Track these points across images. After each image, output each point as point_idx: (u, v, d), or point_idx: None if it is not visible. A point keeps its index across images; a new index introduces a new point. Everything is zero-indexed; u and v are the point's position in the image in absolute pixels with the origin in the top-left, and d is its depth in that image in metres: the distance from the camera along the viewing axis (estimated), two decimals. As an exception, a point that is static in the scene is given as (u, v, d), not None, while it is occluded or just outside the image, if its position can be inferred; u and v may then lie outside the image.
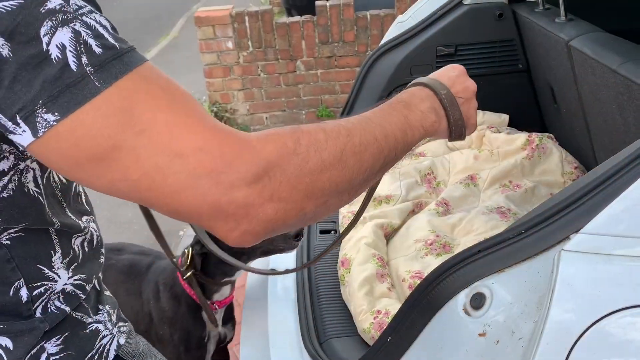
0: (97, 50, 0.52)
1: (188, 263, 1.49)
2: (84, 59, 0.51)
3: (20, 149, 0.55)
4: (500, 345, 0.81)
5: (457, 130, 0.80)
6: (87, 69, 0.51)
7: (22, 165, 0.64)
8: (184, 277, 1.48)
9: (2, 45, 0.50)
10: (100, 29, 0.53)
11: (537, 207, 0.96)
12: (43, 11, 0.51)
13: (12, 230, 0.65)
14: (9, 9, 0.50)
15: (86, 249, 0.75)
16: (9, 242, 0.65)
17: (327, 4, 4.12)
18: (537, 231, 0.84)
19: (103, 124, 0.51)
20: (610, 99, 1.42)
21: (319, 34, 4.15)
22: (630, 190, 0.75)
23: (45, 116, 0.51)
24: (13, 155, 0.62)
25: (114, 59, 0.53)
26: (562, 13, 1.76)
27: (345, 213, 1.70)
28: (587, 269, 0.73)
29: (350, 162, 0.62)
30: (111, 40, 0.53)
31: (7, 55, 0.50)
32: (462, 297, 0.87)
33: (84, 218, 0.76)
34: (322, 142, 0.60)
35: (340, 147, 0.62)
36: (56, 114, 0.51)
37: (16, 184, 0.63)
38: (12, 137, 0.53)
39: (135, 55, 0.55)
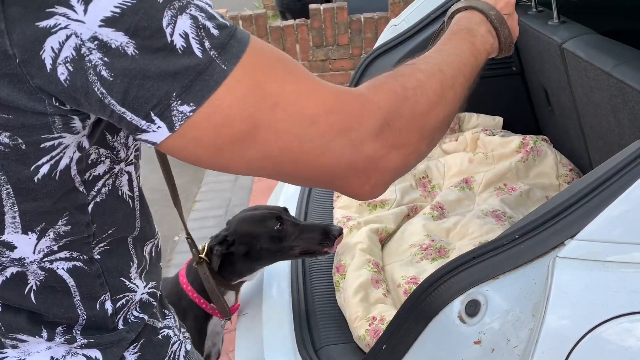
0: (215, 32, 0.51)
1: (204, 256, 1.42)
2: (207, 44, 0.51)
3: (149, 146, 0.54)
4: (495, 353, 0.80)
5: (506, 46, 0.84)
6: (211, 53, 0.51)
7: (116, 169, 0.63)
8: (196, 264, 1.40)
9: (127, 43, 0.48)
10: (210, 10, 0.53)
11: (531, 213, 0.96)
12: (161, 1, 0.49)
13: (102, 245, 0.64)
14: (130, 4, 0.48)
15: (153, 254, 0.75)
16: (99, 257, 0.64)
17: (321, 7, 4.12)
18: (531, 237, 0.84)
19: (239, 105, 0.51)
20: (604, 101, 1.41)
21: (313, 37, 4.14)
22: (623, 196, 0.74)
23: (181, 108, 0.50)
24: (109, 159, 0.62)
25: (230, 38, 0.52)
26: (555, 15, 1.76)
27: (340, 218, 1.69)
28: (581, 275, 0.72)
29: (448, 96, 0.65)
30: (220, 19, 0.53)
31: (133, 53, 0.49)
32: (457, 304, 0.86)
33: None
34: (424, 82, 0.63)
35: (438, 84, 0.64)
36: (191, 104, 0.50)
37: (110, 188, 0.63)
38: (142, 136, 0.52)
39: (241, 30, 0.54)
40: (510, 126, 2.10)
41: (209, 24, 0.51)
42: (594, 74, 1.44)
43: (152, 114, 0.50)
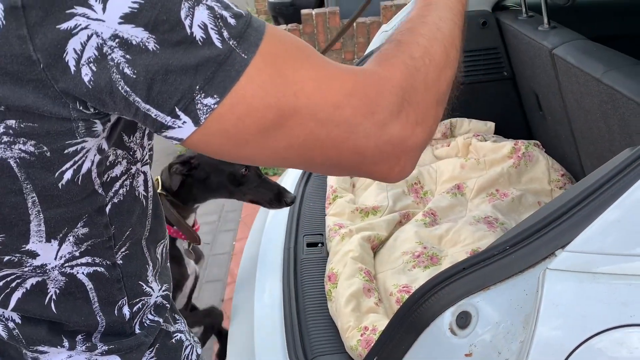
0: (232, 21, 0.50)
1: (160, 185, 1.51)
2: (225, 34, 0.50)
3: (175, 143, 0.54)
4: (486, 366, 0.79)
5: None
6: (230, 42, 0.50)
7: (133, 169, 0.63)
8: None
9: (147, 38, 0.47)
10: None
11: (522, 222, 0.95)
12: None
13: (123, 249, 0.64)
14: None
15: (164, 256, 0.75)
16: (122, 262, 0.64)
17: (313, 13, 4.12)
18: (521, 247, 0.83)
19: (262, 93, 0.50)
20: (595, 107, 1.41)
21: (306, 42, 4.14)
22: (613, 206, 0.74)
23: (205, 101, 0.49)
24: (126, 160, 0.61)
25: (247, 26, 0.51)
26: (545, 21, 1.76)
27: (332, 225, 1.68)
28: (572, 288, 0.72)
29: (452, 55, 0.63)
30: (235, 8, 0.52)
31: (154, 48, 0.48)
32: (448, 316, 0.85)
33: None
34: (428, 47, 0.61)
35: (441, 46, 0.62)
36: (215, 96, 0.50)
37: (127, 188, 0.62)
38: (167, 132, 0.51)
39: (256, 18, 0.54)
40: (502, 131, 2.10)
41: (225, 13, 0.50)
42: (584, 79, 1.44)
43: (177, 109, 0.50)
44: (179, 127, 0.51)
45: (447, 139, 2.11)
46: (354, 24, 4.09)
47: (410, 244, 1.57)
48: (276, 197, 1.59)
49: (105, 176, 0.59)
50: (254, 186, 1.58)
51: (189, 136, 0.51)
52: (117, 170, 0.60)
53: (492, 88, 2.10)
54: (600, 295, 0.70)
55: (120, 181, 0.61)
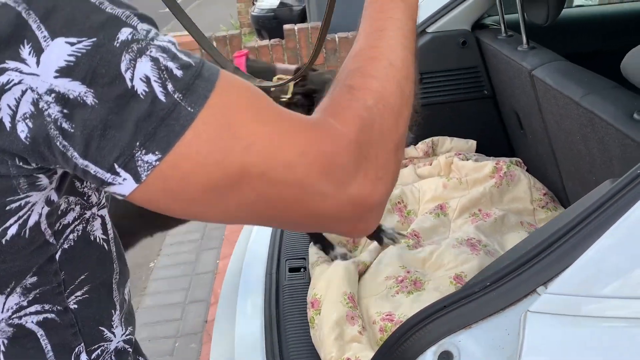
0: (178, 73, 0.48)
1: None
2: (170, 86, 0.47)
3: (119, 197, 0.51)
4: (469, 409, 0.77)
5: None
6: (175, 96, 0.47)
7: (88, 214, 0.60)
8: None
9: (85, 92, 0.45)
10: (172, 49, 0.49)
11: (503, 255, 0.94)
12: (117, 45, 0.46)
13: (79, 293, 0.61)
14: (84, 50, 0.45)
15: (129, 295, 0.71)
16: (76, 307, 0.61)
17: (295, 28, 4.12)
18: (502, 284, 0.82)
19: (208, 149, 0.48)
20: (575, 129, 1.41)
21: (289, 57, 4.13)
22: (595, 246, 0.73)
23: (146, 157, 0.47)
24: (79, 206, 0.59)
25: (196, 77, 0.49)
26: (524, 40, 1.77)
27: (317, 249, 1.66)
28: (555, 332, 0.70)
29: (407, 90, 0.59)
30: (185, 58, 0.49)
31: (93, 103, 0.45)
32: (430, 356, 0.83)
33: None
34: (382, 90, 0.57)
35: (395, 84, 0.58)
36: (157, 152, 0.47)
37: (79, 233, 0.60)
38: (109, 188, 0.49)
39: (208, 66, 0.51)
40: (484, 149, 2.10)
41: (171, 64, 0.48)
42: (563, 102, 1.44)
43: (116, 166, 0.47)
44: (120, 183, 0.48)
45: (429, 157, 2.11)
46: (337, 39, 4.09)
47: (393, 268, 1.55)
48: None
49: (57, 225, 0.57)
50: None
51: (131, 193, 0.49)
52: (70, 217, 0.58)
53: (473, 106, 2.11)
54: (583, 340, 0.68)
55: (72, 227, 0.59)
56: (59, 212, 0.56)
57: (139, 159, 0.47)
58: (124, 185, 0.48)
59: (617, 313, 0.69)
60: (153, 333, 2.58)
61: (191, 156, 0.47)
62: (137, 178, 0.48)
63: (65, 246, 0.58)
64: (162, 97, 0.47)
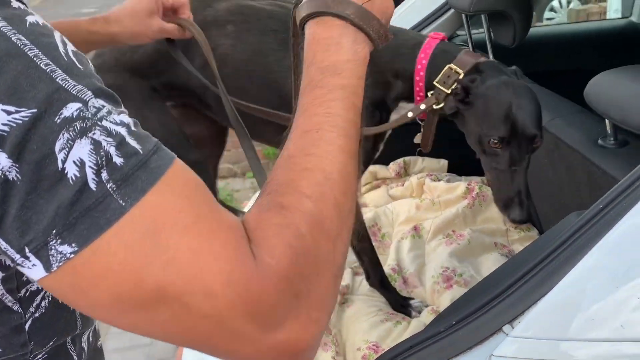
0: (118, 161, 0.44)
1: None
2: (104, 175, 0.43)
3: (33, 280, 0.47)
4: None
5: (381, 38, 0.62)
6: (108, 186, 0.43)
7: None
8: None
9: (10, 167, 0.42)
10: (123, 131, 0.45)
11: (471, 290, 0.93)
12: (59, 121, 0.43)
13: (39, 356, 0.56)
14: (20, 121, 0.42)
15: (91, 340, 0.66)
16: None
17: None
18: (467, 323, 0.81)
19: (126, 256, 0.43)
20: (542, 154, 1.42)
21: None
22: (560, 286, 0.72)
23: (61, 248, 0.43)
24: None
25: (139, 167, 0.44)
26: (492, 61, 1.78)
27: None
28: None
29: (346, 207, 0.53)
30: (133, 143, 0.45)
31: (15, 179, 0.42)
32: (397, 399, 0.82)
33: None
34: (317, 213, 0.50)
35: (331, 204, 0.52)
36: (73, 245, 0.43)
37: (51, 298, 0.55)
38: (20, 268, 0.45)
39: (162, 154, 0.46)
40: (456, 168, 2.10)
41: (113, 150, 0.44)
42: (531, 126, 1.44)
43: (27, 250, 0.43)
44: (29, 267, 0.45)
45: (401, 178, 2.10)
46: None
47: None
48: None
49: (24, 290, 0.53)
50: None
51: (40, 280, 0.45)
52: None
53: (444, 125, 2.11)
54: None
55: (43, 293, 0.55)
56: (24, 278, 0.52)
57: (53, 247, 0.43)
58: (33, 270, 0.44)
59: (585, 357, 0.68)
60: (123, 359, 2.53)
61: (107, 257, 0.43)
62: (47, 267, 0.44)
63: (37, 315, 0.55)
64: (92, 186, 0.43)
